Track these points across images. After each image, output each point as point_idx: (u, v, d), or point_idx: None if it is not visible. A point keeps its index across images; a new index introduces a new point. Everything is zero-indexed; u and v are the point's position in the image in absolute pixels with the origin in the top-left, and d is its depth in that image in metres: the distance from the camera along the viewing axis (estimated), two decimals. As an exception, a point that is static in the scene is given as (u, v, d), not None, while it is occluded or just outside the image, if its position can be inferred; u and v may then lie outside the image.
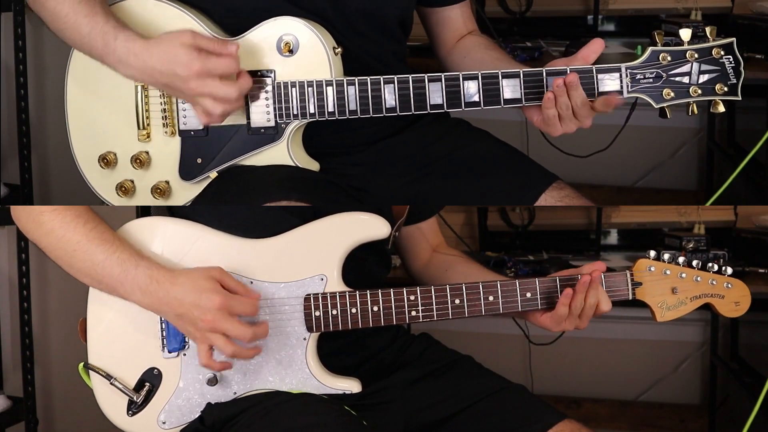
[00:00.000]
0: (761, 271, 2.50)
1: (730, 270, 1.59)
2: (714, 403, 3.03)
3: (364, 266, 1.60)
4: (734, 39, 1.54)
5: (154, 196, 1.64)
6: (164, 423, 1.52)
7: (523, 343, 2.94)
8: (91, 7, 1.52)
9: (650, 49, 1.55)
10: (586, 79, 1.54)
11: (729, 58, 1.54)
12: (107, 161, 1.64)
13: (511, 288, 1.54)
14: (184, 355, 1.51)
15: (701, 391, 3.15)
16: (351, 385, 1.53)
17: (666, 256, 1.58)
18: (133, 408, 1.52)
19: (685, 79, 1.55)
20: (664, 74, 1.55)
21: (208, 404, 1.51)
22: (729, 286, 1.59)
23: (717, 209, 2.86)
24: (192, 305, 1.43)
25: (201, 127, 1.60)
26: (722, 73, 1.54)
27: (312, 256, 1.52)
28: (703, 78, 1.55)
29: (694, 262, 1.59)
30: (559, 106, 1.53)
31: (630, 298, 1.57)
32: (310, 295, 1.51)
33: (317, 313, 1.51)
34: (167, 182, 1.64)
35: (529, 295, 1.54)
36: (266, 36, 1.56)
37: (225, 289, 1.45)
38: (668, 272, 1.58)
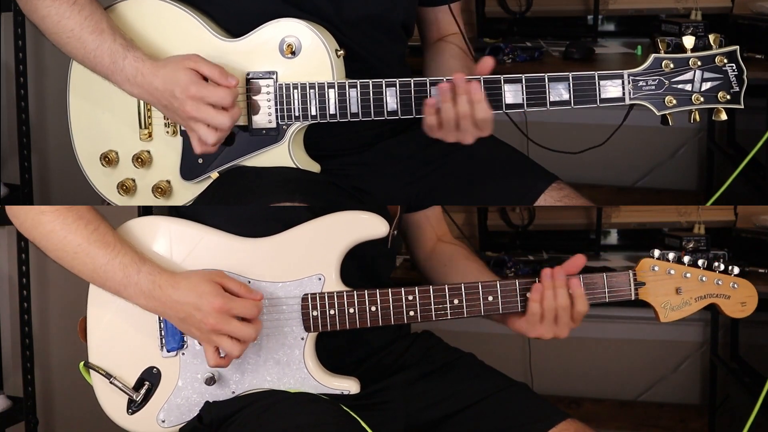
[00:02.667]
0: (761, 271, 2.50)
1: (736, 269, 1.54)
2: (714, 403, 3.02)
3: (370, 266, 1.60)
4: (737, 47, 1.53)
5: (155, 196, 1.64)
6: (163, 422, 1.52)
7: (523, 343, 2.94)
8: (97, 23, 1.52)
9: (653, 55, 1.53)
10: (588, 85, 1.53)
11: (732, 66, 1.52)
12: (109, 160, 1.65)
13: (510, 288, 1.53)
14: (183, 354, 1.51)
15: (701, 391, 3.14)
16: (349, 386, 1.53)
17: (670, 255, 1.54)
18: (133, 407, 1.52)
19: (688, 87, 1.54)
20: (667, 81, 1.54)
21: (207, 402, 1.51)
22: (735, 286, 1.55)
23: (717, 209, 2.85)
24: (193, 308, 1.43)
25: None
26: (725, 80, 1.53)
27: (310, 255, 1.52)
28: (706, 86, 1.53)
29: (700, 262, 1.55)
30: (444, 116, 1.51)
31: (633, 298, 1.53)
32: (307, 294, 1.51)
33: (315, 313, 1.51)
34: (168, 182, 1.64)
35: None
36: (269, 38, 1.56)
37: (226, 292, 1.45)
38: (672, 272, 1.54)
